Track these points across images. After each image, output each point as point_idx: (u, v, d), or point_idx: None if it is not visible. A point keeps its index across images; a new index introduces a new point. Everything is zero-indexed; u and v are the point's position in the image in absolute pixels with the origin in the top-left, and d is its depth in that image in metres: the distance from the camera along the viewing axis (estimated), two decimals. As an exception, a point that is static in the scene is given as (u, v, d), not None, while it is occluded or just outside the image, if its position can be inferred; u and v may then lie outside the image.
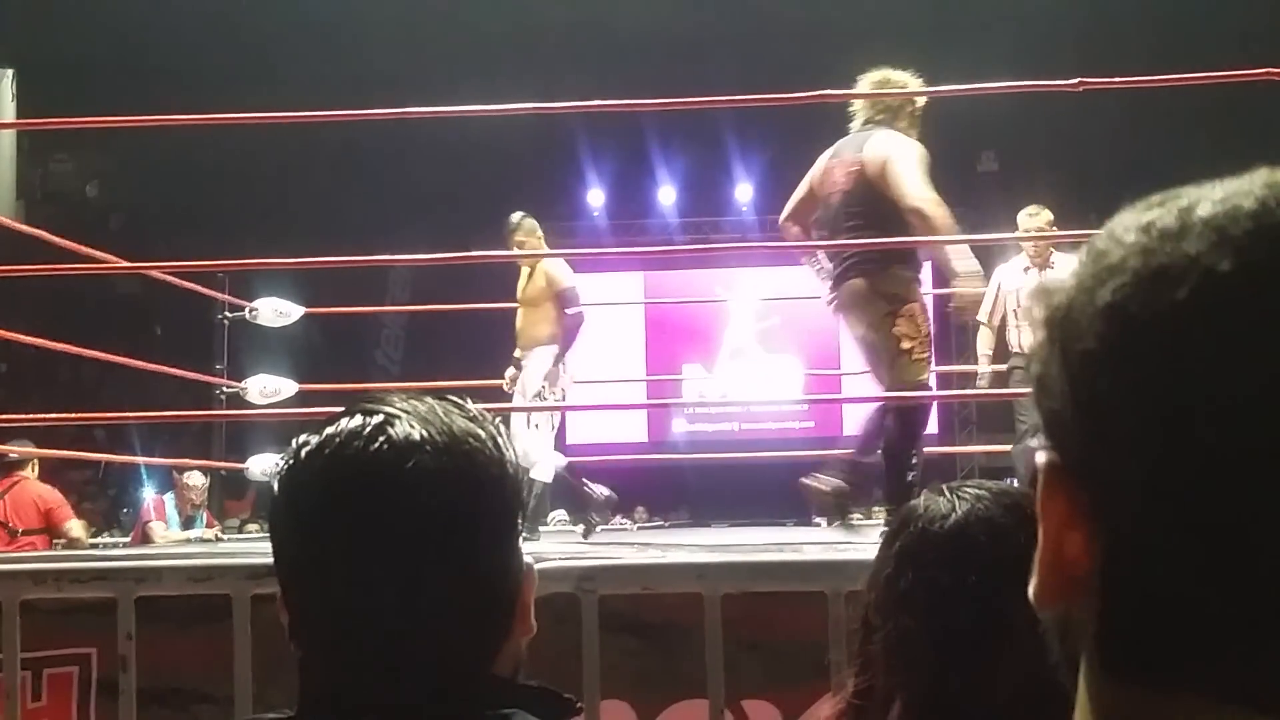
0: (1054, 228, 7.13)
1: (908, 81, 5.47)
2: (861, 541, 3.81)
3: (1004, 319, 7.43)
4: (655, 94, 5.76)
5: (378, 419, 1.12)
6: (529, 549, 1.21)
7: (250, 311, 7.64)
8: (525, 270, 7.54)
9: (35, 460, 8.65)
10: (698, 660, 2.57)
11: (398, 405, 1.14)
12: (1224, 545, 0.58)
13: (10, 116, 14.75)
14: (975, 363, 7.83)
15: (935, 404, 6.28)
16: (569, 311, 7.37)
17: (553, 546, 4.46)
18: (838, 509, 5.42)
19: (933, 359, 5.33)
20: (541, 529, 7.55)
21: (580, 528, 7.12)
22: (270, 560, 1.16)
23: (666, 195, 17.48)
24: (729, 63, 13.17)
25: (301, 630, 1.14)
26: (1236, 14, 11.94)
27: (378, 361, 16.59)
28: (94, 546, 9.02)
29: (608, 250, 17.04)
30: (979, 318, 7.16)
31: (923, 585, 1.43)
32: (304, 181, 14.64)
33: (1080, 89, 4.92)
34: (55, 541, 8.32)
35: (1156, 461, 0.59)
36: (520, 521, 1.18)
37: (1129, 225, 0.63)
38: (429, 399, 1.17)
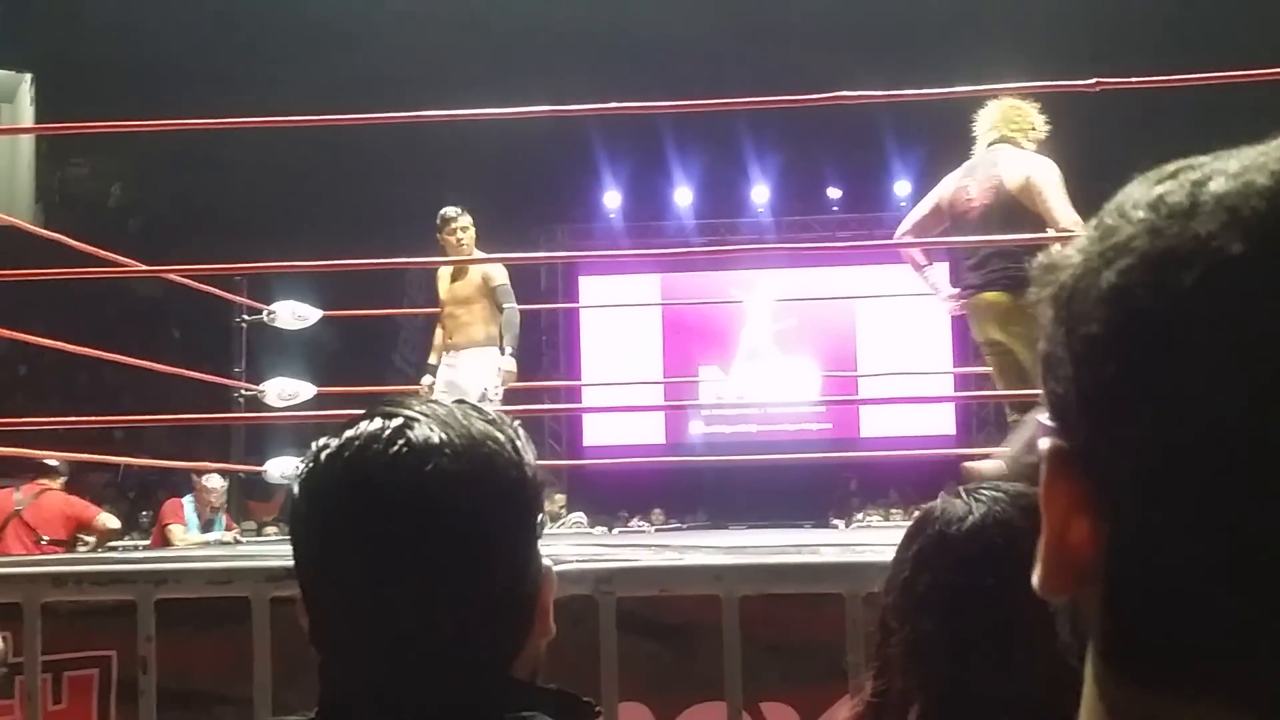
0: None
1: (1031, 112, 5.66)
2: (879, 544, 3.80)
3: None
4: (671, 96, 5.77)
5: (397, 422, 1.13)
6: (547, 551, 1.21)
7: (268, 314, 7.66)
8: (449, 268, 7.41)
9: (64, 476, 8.79)
10: (715, 662, 2.57)
11: (417, 408, 1.15)
12: (1231, 541, 0.56)
13: (29, 121, 14.81)
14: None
15: (954, 405, 6.32)
16: (509, 306, 7.21)
17: (570, 549, 4.46)
18: None
19: None
20: (551, 530, 7.51)
21: (598, 530, 7.13)
22: (289, 563, 1.17)
23: (683, 197, 17.49)
24: (745, 64, 13.18)
25: (321, 633, 1.14)
26: (1254, 13, 11.91)
27: (396, 364, 16.60)
28: (113, 549, 9.05)
29: (624, 252, 17.06)
30: None
31: (940, 588, 1.43)
32: (321, 184, 14.67)
33: (1097, 89, 4.91)
34: (87, 539, 8.45)
35: (1161, 453, 0.57)
36: (539, 524, 1.19)
37: (1138, 200, 0.61)
38: (448, 402, 1.18)
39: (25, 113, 15.04)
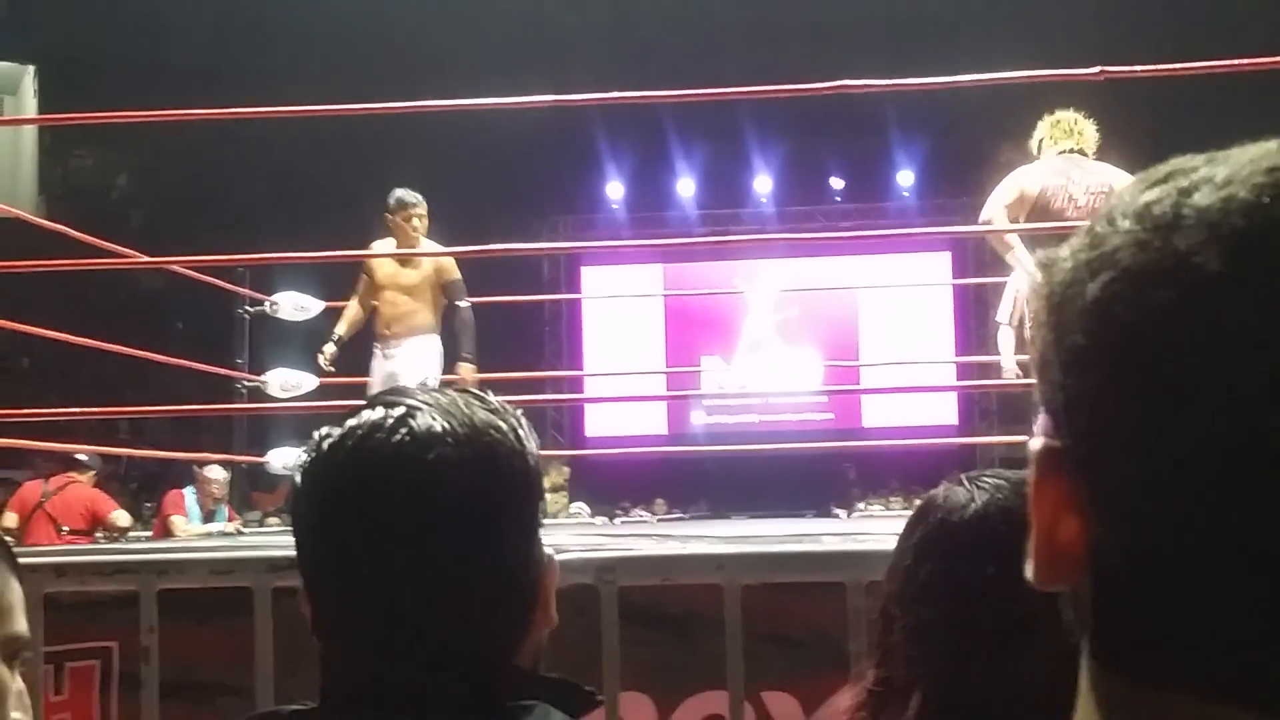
0: None
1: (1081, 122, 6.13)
2: (881, 533, 3.81)
3: (1022, 319, 7.43)
4: (673, 86, 5.76)
5: (399, 411, 1.13)
6: (549, 541, 1.21)
7: (271, 306, 7.65)
8: (390, 247, 7.13)
9: (94, 469, 8.95)
10: (717, 651, 2.57)
11: (419, 397, 1.15)
12: (1212, 541, 0.57)
13: (32, 112, 14.80)
14: (995, 354, 7.82)
15: (956, 395, 6.45)
16: (464, 304, 7.04)
17: (573, 538, 4.47)
18: None
19: None
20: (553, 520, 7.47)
21: (600, 520, 7.11)
22: (291, 553, 1.17)
23: (685, 187, 17.46)
24: (747, 54, 13.16)
25: (324, 622, 1.14)
26: (1261, 1, 11.87)
27: (397, 355, 16.60)
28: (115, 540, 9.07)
29: (627, 243, 17.04)
30: (999, 319, 7.19)
31: (942, 576, 1.43)
32: (323, 175, 14.66)
33: (1101, 78, 4.89)
34: (101, 533, 8.62)
35: (1143, 460, 0.58)
36: (541, 513, 1.19)
37: (1127, 208, 0.62)
38: (450, 391, 1.17)
39: (28, 104, 15.02)
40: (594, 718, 1.22)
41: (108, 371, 14.32)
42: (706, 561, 2.78)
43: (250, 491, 11.78)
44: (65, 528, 8.80)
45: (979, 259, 15.27)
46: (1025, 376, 7.04)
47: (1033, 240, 5.74)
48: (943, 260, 16.56)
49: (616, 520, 10.00)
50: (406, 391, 1.17)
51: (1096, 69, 4.86)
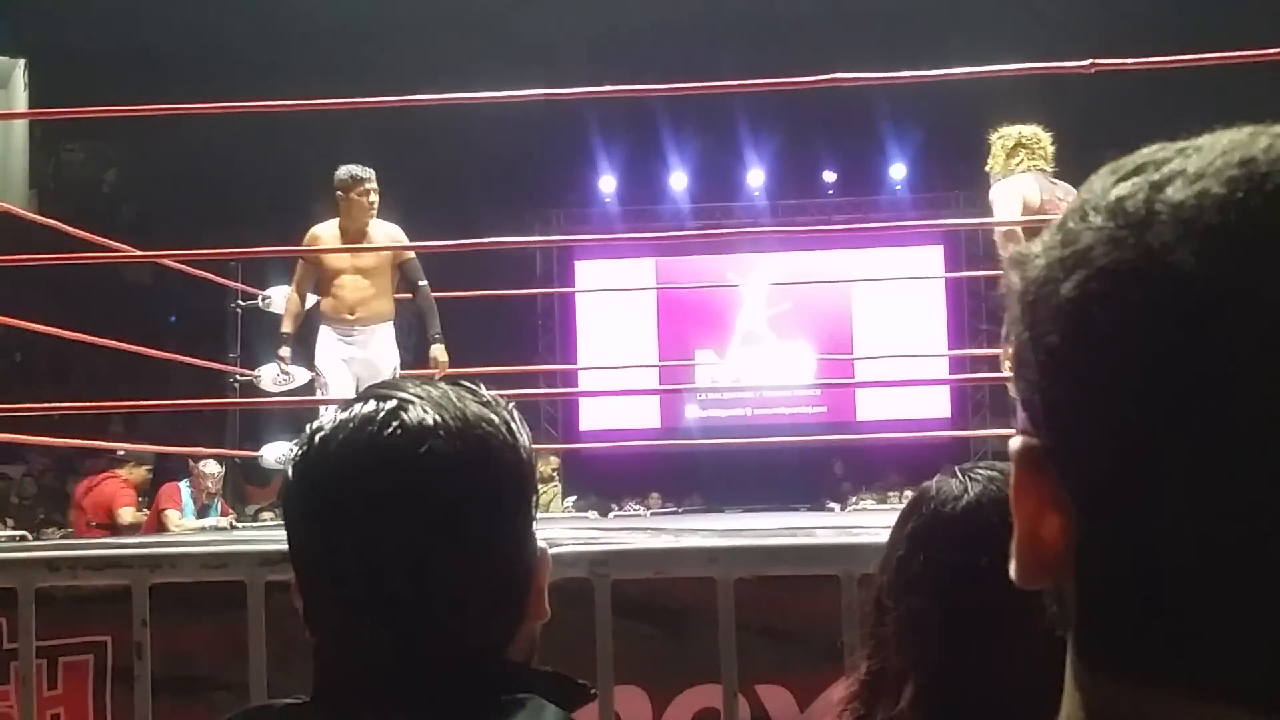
0: None
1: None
2: (874, 525, 3.81)
3: None
4: (666, 79, 5.76)
5: (391, 404, 1.13)
6: (542, 535, 1.21)
7: (263, 300, 7.65)
8: (333, 230, 6.80)
9: (133, 463, 9.07)
10: (711, 645, 2.57)
11: (411, 390, 1.15)
12: (1187, 543, 0.57)
13: (23, 107, 14.78)
14: (986, 348, 7.86)
15: (949, 387, 6.52)
16: (424, 283, 6.77)
17: (566, 532, 4.47)
18: None
19: None
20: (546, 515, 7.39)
21: (592, 513, 7.08)
22: (284, 547, 1.17)
23: (678, 181, 17.47)
24: (739, 47, 13.14)
25: (316, 615, 1.14)
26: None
27: (390, 349, 16.60)
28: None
29: (620, 236, 17.04)
30: None
31: (934, 567, 1.43)
32: (315, 170, 14.63)
33: (1092, 70, 4.90)
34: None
35: (1119, 459, 0.59)
36: (534, 506, 1.19)
37: (1099, 202, 0.61)
38: (442, 384, 1.17)
39: (19, 98, 15.00)
40: (588, 712, 1.22)
41: (100, 366, 14.32)
42: (700, 555, 2.77)
43: (244, 485, 11.79)
44: (93, 522, 9.07)
45: (971, 252, 15.29)
46: None
47: None
48: (935, 253, 16.57)
49: (610, 514, 10.00)
50: (398, 385, 1.17)
51: (1088, 62, 4.86)
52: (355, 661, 1.12)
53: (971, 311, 15.71)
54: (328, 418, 1.15)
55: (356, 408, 1.14)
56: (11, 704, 2.87)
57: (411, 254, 6.73)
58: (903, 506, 1.58)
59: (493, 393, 1.19)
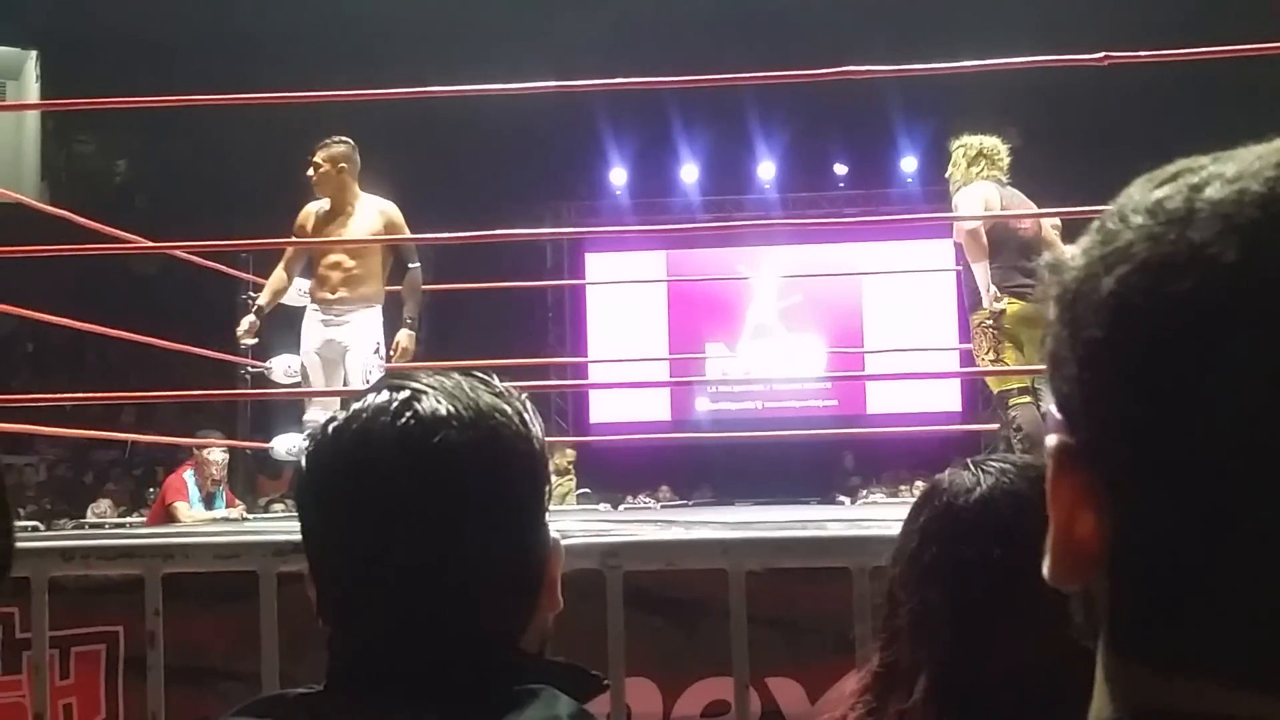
0: None
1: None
2: (885, 518, 3.81)
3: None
4: (677, 72, 5.75)
5: (404, 394, 1.13)
6: (554, 526, 1.21)
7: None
8: (321, 206, 6.53)
9: (203, 451, 9.18)
10: (722, 637, 2.57)
11: (424, 381, 1.15)
12: (1226, 535, 0.58)
13: (34, 97, 14.78)
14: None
15: (960, 381, 6.67)
16: (415, 265, 6.38)
17: (577, 523, 4.47)
18: None
19: None
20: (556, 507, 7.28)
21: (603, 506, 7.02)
22: (297, 538, 1.17)
23: (689, 173, 17.45)
24: (751, 40, 13.13)
25: (329, 606, 1.14)
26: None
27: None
28: (120, 526, 9.11)
29: (630, 229, 17.03)
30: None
31: (947, 559, 1.43)
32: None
33: (1105, 63, 4.88)
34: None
35: (1160, 453, 0.59)
36: (547, 497, 1.19)
37: (1138, 204, 0.63)
38: (455, 375, 1.17)
39: (30, 89, 14.99)
40: (599, 702, 1.23)
41: (111, 357, 14.35)
42: (711, 546, 2.78)
43: (256, 477, 11.83)
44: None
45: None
46: None
47: (997, 252, 6.07)
48: (946, 247, 16.45)
49: (620, 507, 10.01)
50: (411, 375, 1.17)
51: (1100, 54, 4.84)
52: (368, 651, 1.12)
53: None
54: (342, 408, 1.16)
55: (370, 398, 1.14)
56: (24, 693, 2.88)
57: (405, 230, 6.38)
58: (914, 499, 1.58)
59: (505, 384, 1.19)
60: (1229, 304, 0.57)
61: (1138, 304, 0.60)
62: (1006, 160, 6.38)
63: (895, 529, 1.58)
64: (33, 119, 15.39)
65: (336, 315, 6.35)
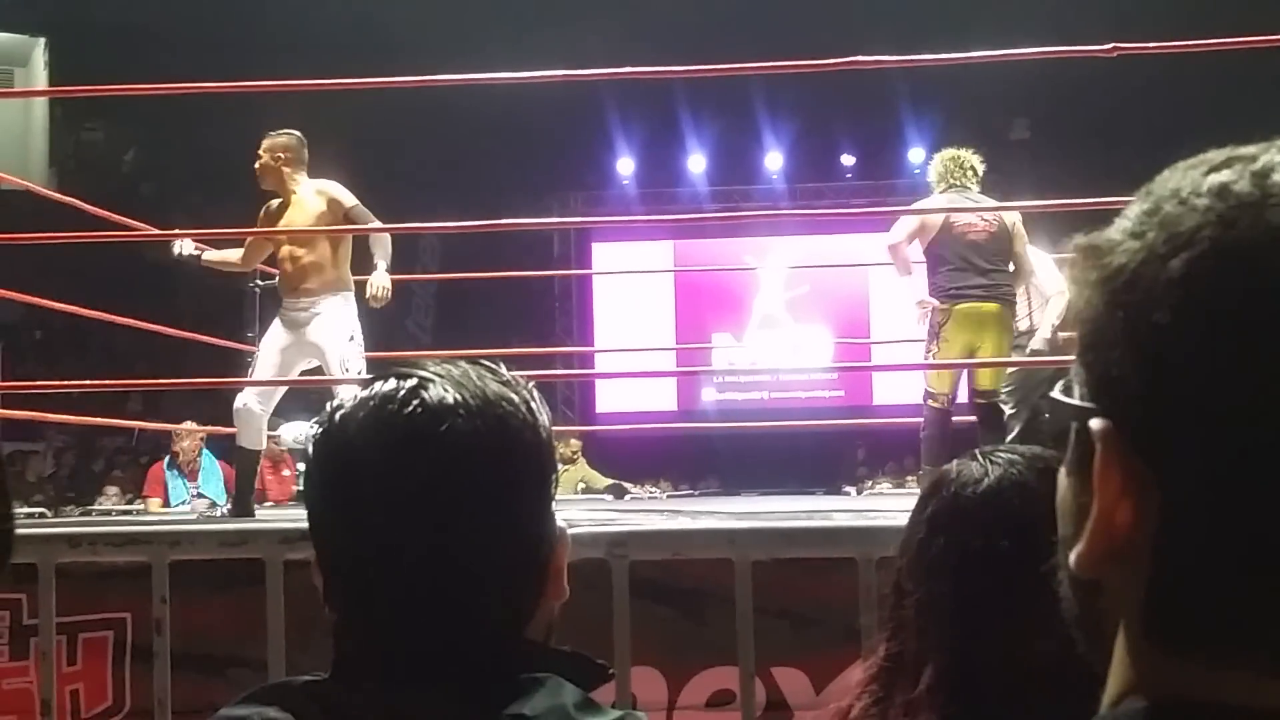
0: None
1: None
2: (891, 509, 3.81)
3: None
4: (685, 62, 5.73)
5: (412, 383, 1.13)
6: (560, 515, 1.21)
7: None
8: (274, 199, 6.36)
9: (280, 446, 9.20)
10: (728, 627, 2.57)
11: (432, 369, 1.15)
12: None
13: (43, 85, 14.80)
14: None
15: (967, 371, 6.71)
16: (375, 225, 6.14)
17: (583, 513, 4.47)
18: None
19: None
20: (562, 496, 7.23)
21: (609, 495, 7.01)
22: (303, 525, 1.17)
23: (696, 163, 17.43)
24: (759, 30, 13.11)
25: (336, 593, 1.14)
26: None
27: (408, 329, 16.60)
28: (126, 514, 9.11)
29: (637, 219, 17.01)
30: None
31: (955, 550, 1.43)
32: (333, 149, 14.63)
33: (1114, 54, 4.87)
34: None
35: (1226, 439, 0.58)
36: (554, 486, 1.19)
37: (1199, 188, 0.61)
38: (462, 363, 1.17)
39: (39, 77, 15.03)
40: (605, 691, 1.23)
41: (118, 344, 14.36)
42: (717, 536, 2.78)
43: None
44: None
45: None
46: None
47: (942, 259, 6.43)
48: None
49: (627, 496, 10.01)
50: (419, 364, 1.17)
51: (1109, 45, 4.83)
52: (374, 639, 1.12)
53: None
54: (349, 397, 1.16)
55: (377, 386, 1.14)
56: (32, 680, 2.89)
57: (353, 201, 6.09)
58: (920, 490, 1.58)
59: (512, 373, 1.19)
60: None
61: (1211, 288, 0.58)
62: (977, 170, 6.57)
63: (901, 519, 1.57)
64: (41, 106, 15.41)
65: (304, 310, 6.10)
